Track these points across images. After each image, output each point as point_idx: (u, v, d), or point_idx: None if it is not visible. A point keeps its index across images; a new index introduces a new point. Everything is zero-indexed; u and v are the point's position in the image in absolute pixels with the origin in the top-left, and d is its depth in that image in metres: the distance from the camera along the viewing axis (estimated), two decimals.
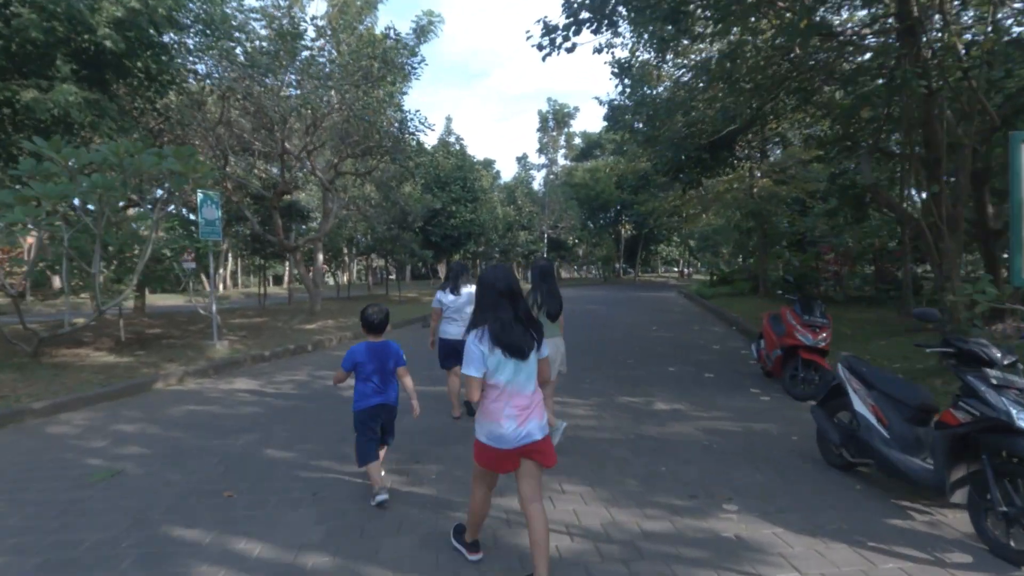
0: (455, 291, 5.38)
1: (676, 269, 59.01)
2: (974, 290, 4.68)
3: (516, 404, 2.49)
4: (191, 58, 10.37)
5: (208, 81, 11.02)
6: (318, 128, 12.05)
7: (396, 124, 13.21)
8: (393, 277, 28.66)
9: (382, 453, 3.78)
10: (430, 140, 20.44)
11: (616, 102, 12.07)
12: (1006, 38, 6.55)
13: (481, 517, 2.78)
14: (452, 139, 22.31)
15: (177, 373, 7.33)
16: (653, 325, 13.56)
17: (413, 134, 13.86)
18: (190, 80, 10.96)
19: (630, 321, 14.40)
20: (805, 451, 4.40)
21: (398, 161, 14.24)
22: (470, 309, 4.60)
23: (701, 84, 11.32)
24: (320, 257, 13.66)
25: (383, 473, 3.71)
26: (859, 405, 3.67)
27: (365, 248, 22.42)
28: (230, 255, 29.44)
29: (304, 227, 19.03)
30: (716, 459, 4.26)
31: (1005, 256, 11.34)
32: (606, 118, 12.77)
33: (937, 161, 6.90)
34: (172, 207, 9.11)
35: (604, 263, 52.19)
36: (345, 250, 23.40)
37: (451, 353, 5.34)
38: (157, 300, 23.74)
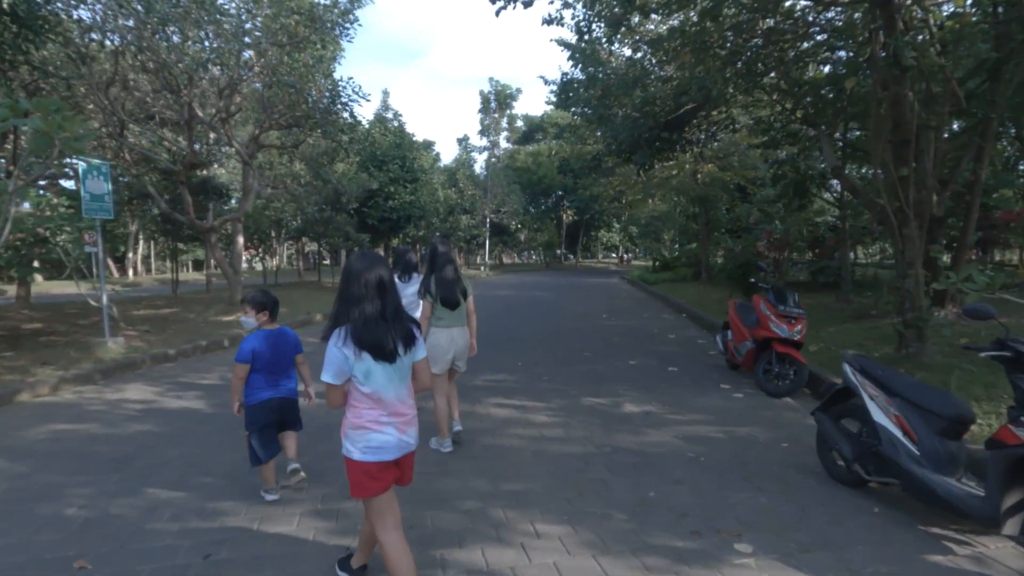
0: (403, 277, 5.05)
1: (615, 255, 59.81)
2: (959, 279, 4.31)
3: (395, 412, 2.21)
4: (72, 1, 8.66)
5: (94, 35, 9.30)
6: (234, 93, 10.57)
7: (326, 93, 11.88)
8: (327, 262, 26.95)
9: (292, 443, 3.51)
10: (365, 113, 19.00)
11: (569, 76, 11.35)
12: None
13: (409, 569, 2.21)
14: (390, 115, 20.87)
15: (51, 380, 6.00)
16: (603, 313, 13.11)
17: (346, 104, 12.57)
18: (74, 30, 9.21)
19: (580, 309, 13.90)
20: (801, 463, 3.88)
21: (329, 135, 12.91)
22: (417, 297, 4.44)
23: (656, 61, 10.80)
24: (240, 240, 12.18)
25: (296, 466, 3.44)
26: (879, 415, 3.14)
27: (295, 231, 20.73)
28: (140, 237, 26.57)
29: (225, 207, 17.23)
30: (708, 476, 3.66)
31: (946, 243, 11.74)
32: (558, 94, 12.03)
33: (906, 143, 6.64)
34: (44, 176, 7.54)
35: (546, 249, 52.01)
36: (273, 233, 21.58)
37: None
38: (52, 288, 21.04)
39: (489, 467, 3.84)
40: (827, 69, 9.33)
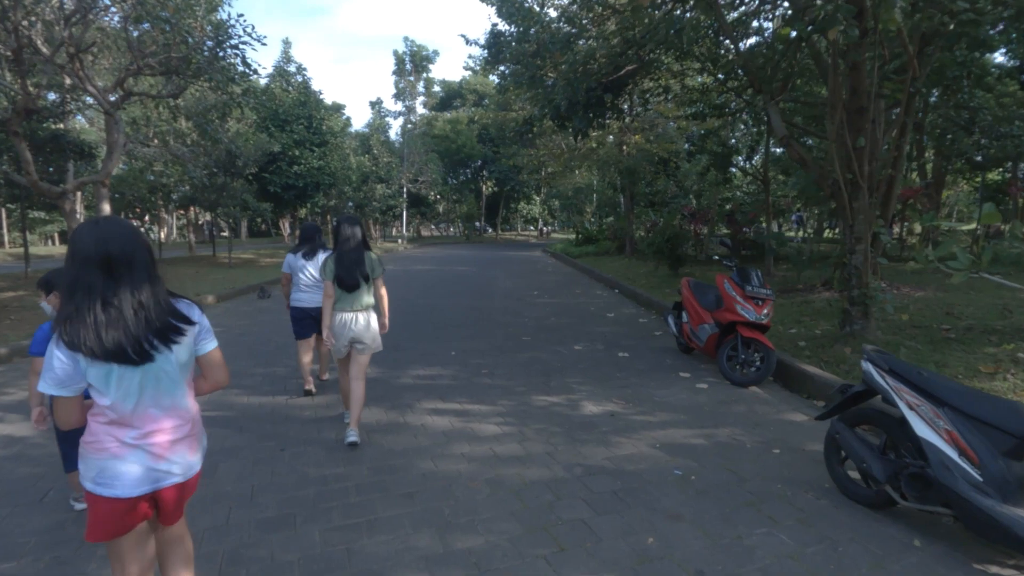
0: (309, 255, 4.85)
1: (535, 228, 59.68)
2: (937, 256, 3.91)
3: (145, 433, 1.71)
4: None
5: None
6: (86, 23, 8.43)
7: (210, 31, 9.93)
8: (225, 234, 24.21)
9: None
10: (263, 61, 16.66)
11: (496, 28, 10.23)
12: None
13: None
14: (292, 68, 18.52)
15: None
16: (533, 289, 12.41)
17: (237, 48, 10.65)
18: None
19: (508, 285, 13.10)
20: (805, 478, 3.30)
21: (218, 86, 10.93)
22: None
23: (591, 17, 9.99)
24: (107, 208, 10.05)
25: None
26: (926, 430, 2.56)
27: (182, 199, 18.09)
28: None
29: (90, 168, 14.53)
30: (708, 505, 2.97)
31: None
32: (488, 46, 10.84)
33: (862, 112, 6.30)
34: None
35: (466, 221, 50.71)
36: (160, 202, 18.65)
37: (305, 322, 4.80)
38: None
39: (433, 511, 2.92)
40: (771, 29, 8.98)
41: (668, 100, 13.84)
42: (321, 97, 17.76)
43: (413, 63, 38.93)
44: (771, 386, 5.13)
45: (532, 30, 10.11)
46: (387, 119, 40.26)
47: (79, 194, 13.18)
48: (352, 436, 3.66)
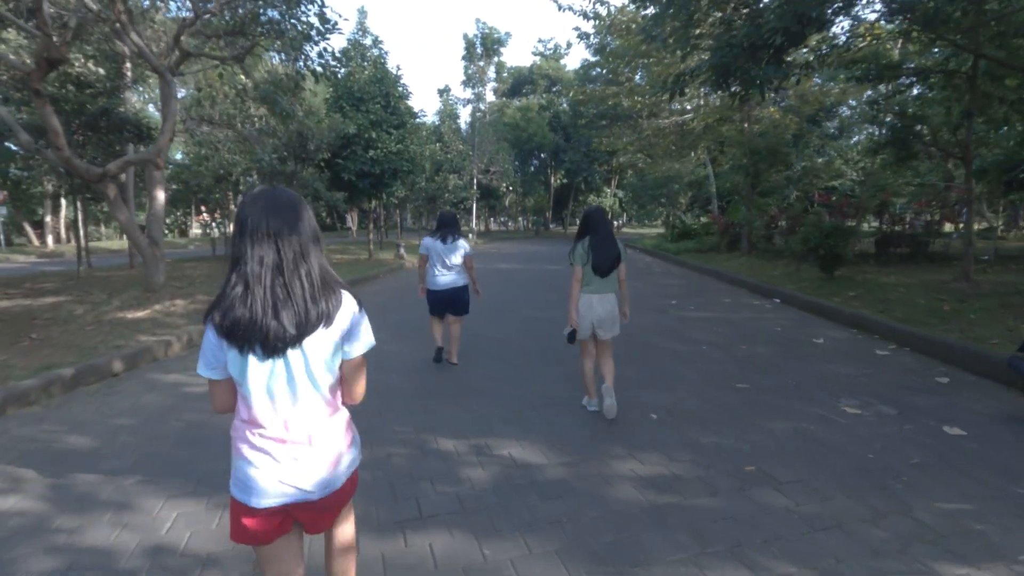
0: (447, 240, 5.17)
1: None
2: None
3: (271, 434, 1.42)
4: None
5: None
6: None
7: None
8: None
9: None
10: (340, 26, 14.92)
11: None
12: None
13: None
14: (368, 41, 16.57)
15: None
16: (666, 297, 9.82)
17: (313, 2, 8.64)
18: None
19: (631, 292, 10.55)
20: None
21: (292, 45, 8.96)
22: (457, 258, 5.21)
23: None
24: (160, 196, 8.30)
25: None
26: None
27: (250, 190, 16.60)
28: (63, 198, 21.79)
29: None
30: None
31: None
32: None
33: None
34: None
35: (534, 214, 48.32)
36: (228, 193, 17.22)
37: (438, 304, 5.27)
38: None
39: None
40: None
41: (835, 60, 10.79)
42: (399, 74, 15.70)
43: (484, 47, 36.79)
44: None
45: None
46: (456, 106, 38.24)
47: (128, 177, 11.59)
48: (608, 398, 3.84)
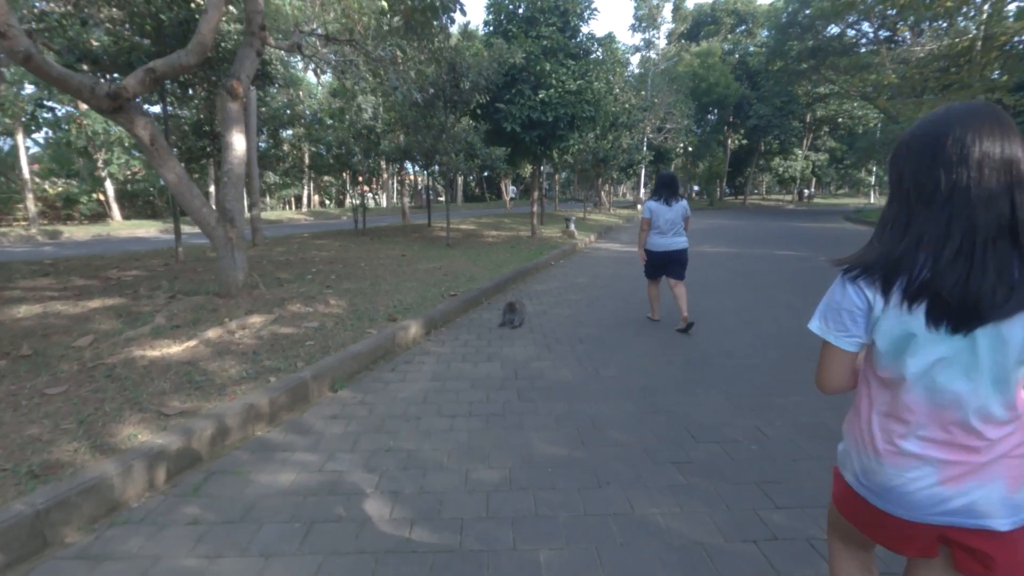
0: (669, 202, 5.08)
1: (794, 191, 47.02)
2: None
3: (935, 437, 1.03)
4: None
5: None
6: None
7: None
8: (442, 199, 19.86)
9: None
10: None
11: None
12: None
13: None
14: None
15: None
16: None
17: None
18: None
19: None
20: None
21: None
22: (680, 219, 5.09)
23: None
24: (239, 143, 5.08)
25: None
26: None
27: (393, 153, 13.58)
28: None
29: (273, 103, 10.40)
30: None
31: None
32: None
33: None
34: None
35: (708, 181, 41.36)
36: (372, 159, 14.33)
37: (658, 266, 5.26)
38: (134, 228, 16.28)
39: None
40: None
41: None
42: None
43: None
44: None
45: None
46: (625, 55, 32.78)
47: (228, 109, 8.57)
48: None
